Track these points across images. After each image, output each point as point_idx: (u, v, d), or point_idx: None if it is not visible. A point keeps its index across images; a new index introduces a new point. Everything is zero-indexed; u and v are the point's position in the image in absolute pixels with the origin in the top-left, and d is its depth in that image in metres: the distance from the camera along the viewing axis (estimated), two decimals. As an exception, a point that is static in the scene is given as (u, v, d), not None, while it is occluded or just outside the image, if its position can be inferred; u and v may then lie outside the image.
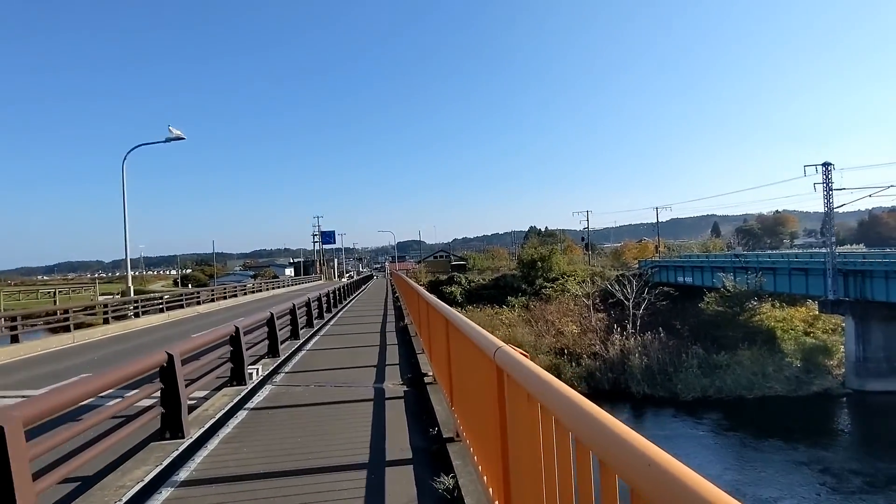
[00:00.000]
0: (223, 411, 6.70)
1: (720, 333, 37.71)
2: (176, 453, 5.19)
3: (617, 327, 39.34)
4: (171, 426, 5.60)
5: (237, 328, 7.94)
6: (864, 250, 48.59)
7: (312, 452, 5.23)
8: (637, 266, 54.85)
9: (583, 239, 73.21)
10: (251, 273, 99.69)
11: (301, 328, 13.53)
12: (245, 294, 37.63)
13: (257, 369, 8.75)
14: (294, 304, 12.77)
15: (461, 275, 60.32)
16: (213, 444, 5.64)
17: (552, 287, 51.64)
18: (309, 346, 12.52)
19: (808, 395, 32.86)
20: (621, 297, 41.58)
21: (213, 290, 34.05)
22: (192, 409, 6.62)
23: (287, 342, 12.12)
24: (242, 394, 7.53)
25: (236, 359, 8.00)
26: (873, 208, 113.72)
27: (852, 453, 27.26)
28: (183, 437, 5.59)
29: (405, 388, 7.98)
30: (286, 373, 9.46)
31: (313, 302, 15.78)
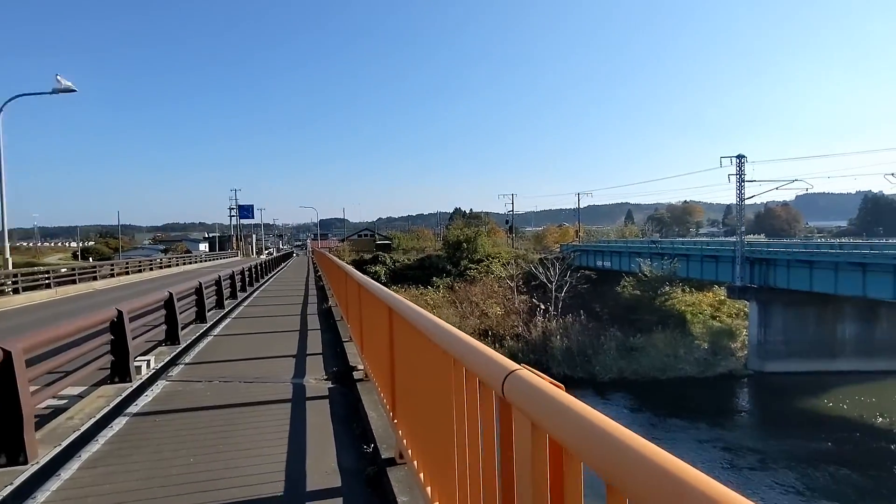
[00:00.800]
0: (93, 420, 5.17)
1: (636, 317, 38.83)
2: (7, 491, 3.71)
3: (540, 309, 39.57)
4: (9, 448, 4.08)
5: (120, 312, 6.33)
6: (765, 240, 51.71)
7: (208, 481, 3.91)
8: (559, 250, 55.70)
9: (507, 222, 73.69)
10: (161, 247, 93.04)
11: (209, 310, 11.83)
12: (152, 269, 34.35)
13: (148, 361, 7.15)
14: (201, 283, 11.05)
15: (386, 254, 58.90)
16: (68, 470, 4.16)
17: (477, 269, 51.39)
18: (217, 330, 10.88)
19: (714, 376, 34.48)
20: (544, 280, 41.84)
21: (113, 265, 30.73)
22: (47, 418, 5.06)
23: (191, 326, 10.45)
24: (125, 394, 5.98)
25: (118, 349, 6.40)
26: (768, 202, 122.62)
27: (751, 431, 28.82)
28: (26, 463, 4.09)
29: (330, 384, 6.72)
30: (186, 364, 7.89)
31: (225, 280, 14.02)
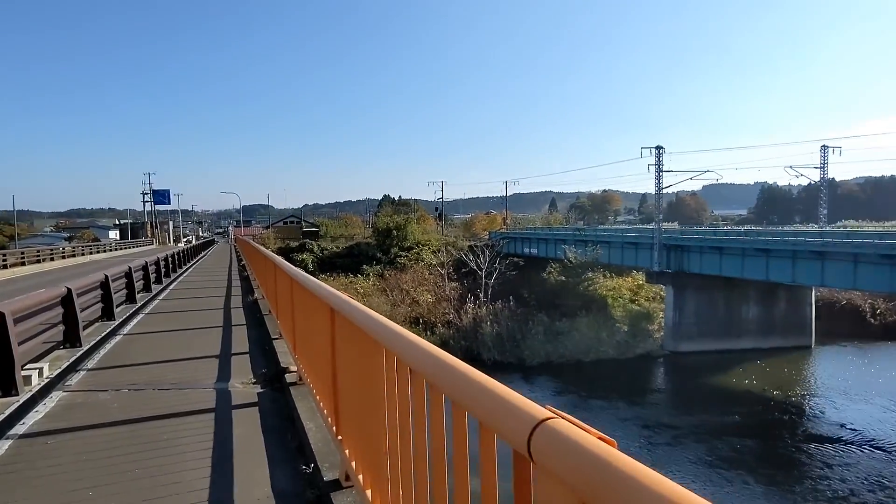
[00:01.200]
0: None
1: (561, 301, 39.80)
2: None
3: (470, 296, 39.71)
4: None
5: (1, 314, 5.33)
6: (679, 227, 54.45)
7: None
8: (487, 237, 56.13)
9: (437, 209, 73.48)
10: (65, 235, 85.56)
11: (118, 305, 10.63)
12: (53, 259, 31.25)
13: (40, 369, 6.14)
14: (107, 275, 9.85)
15: (313, 242, 57.10)
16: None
17: (407, 256, 50.87)
18: (128, 328, 9.75)
19: (634, 357, 36.03)
20: (474, 267, 41.99)
21: (5, 255, 27.63)
22: None
23: (96, 325, 9.30)
24: (8, 411, 5.03)
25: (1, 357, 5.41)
26: (679, 192, 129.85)
27: (666, 408, 30.34)
28: None
29: (259, 388, 6.03)
30: (89, 370, 6.89)
31: (137, 271, 12.71)
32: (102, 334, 8.71)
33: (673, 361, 35.99)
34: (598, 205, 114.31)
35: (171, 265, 19.90)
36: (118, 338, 8.91)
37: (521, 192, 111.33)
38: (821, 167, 37.76)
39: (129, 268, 11.92)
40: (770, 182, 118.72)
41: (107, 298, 9.69)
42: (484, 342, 35.72)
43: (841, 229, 44.34)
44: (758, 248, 31.45)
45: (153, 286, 15.01)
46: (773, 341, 36.45)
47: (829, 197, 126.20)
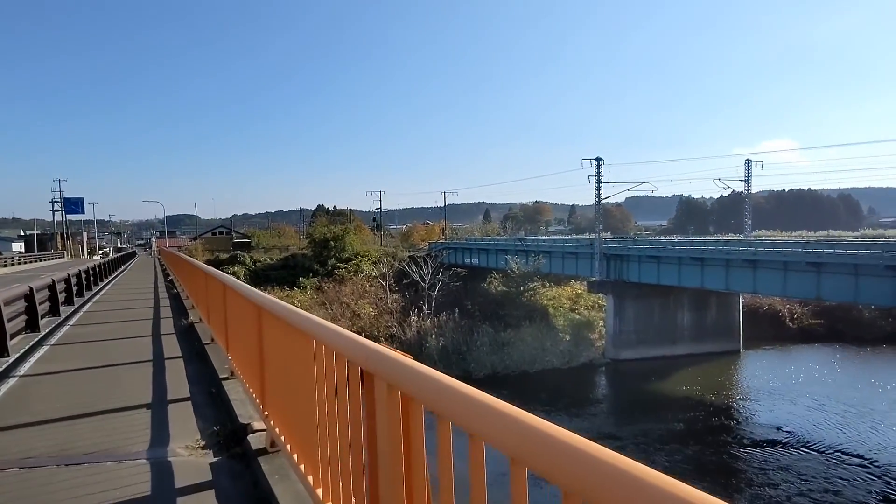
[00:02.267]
0: None
1: (505, 312, 39.18)
2: None
3: (414, 308, 38.30)
4: None
5: None
6: (615, 237, 55.43)
7: None
8: (427, 248, 54.95)
9: (374, 219, 71.60)
10: (-41, 247, 76.32)
11: (13, 335, 8.47)
12: (-61, 276, 26.96)
13: None
14: None
15: (245, 253, 53.74)
16: None
17: (346, 267, 48.79)
18: (26, 366, 7.66)
19: (578, 366, 35.87)
20: (417, 279, 40.62)
21: None
22: None
23: (-19, 364, 7.19)
24: None
25: None
26: (605, 203, 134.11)
27: (609, 416, 30.25)
28: None
29: (212, 457, 4.42)
30: (-36, 435, 4.98)
31: (39, 291, 10.44)
32: (-10, 377, 6.65)
33: (614, 369, 36.13)
34: (531, 215, 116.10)
35: (87, 279, 17.23)
36: (12, 381, 6.86)
37: (456, 202, 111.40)
38: (745, 179, 39.47)
39: (30, 287, 9.69)
40: (686, 195, 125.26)
41: (-3, 329, 7.57)
42: (429, 355, 34.33)
43: (763, 239, 46.47)
44: (694, 256, 32.08)
45: (62, 308, 12.60)
46: (706, 346, 37.41)
47: (739, 210, 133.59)
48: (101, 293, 18.17)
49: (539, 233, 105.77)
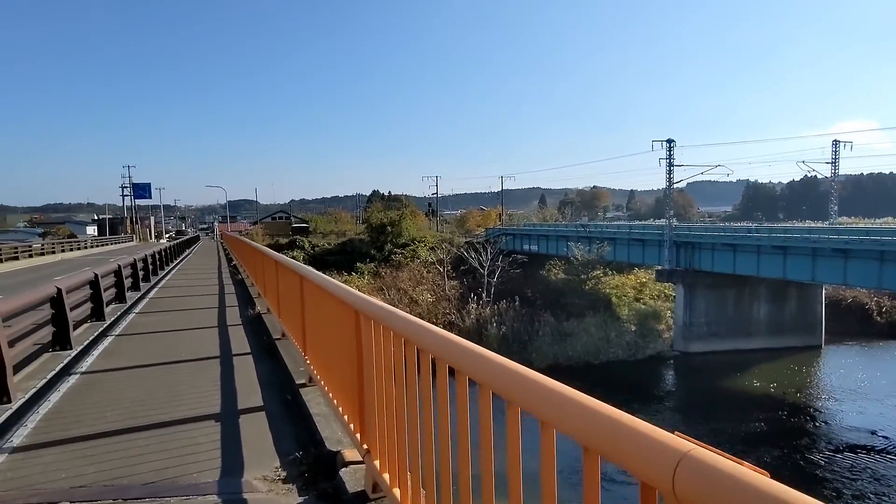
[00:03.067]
0: None
1: (567, 301, 37.57)
2: None
3: (473, 295, 37.24)
4: None
5: None
6: (679, 224, 52.43)
7: None
8: (483, 234, 53.71)
9: (429, 205, 70.82)
10: (39, 231, 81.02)
11: (76, 327, 7.92)
12: (18, 258, 27.95)
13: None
14: (60, 288, 7.14)
15: (304, 238, 54.12)
16: None
17: (402, 253, 48.26)
18: (87, 363, 7.01)
19: (644, 359, 33.96)
20: (476, 265, 39.50)
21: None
22: None
23: (40, 359, 6.61)
24: None
25: None
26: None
27: (681, 414, 28.34)
28: None
29: (298, 496, 3.48)
30: (9, 451, 4.27)
31: (104, 277, 9.98)
32: (44, 379, 6.03)
33: (683, 362, 34.01)
34: (587, 201, 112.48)
35: (150, 267, 17.08)
36: (72, 379, 6.22)
37: (510, 188, 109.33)
38: (832, 162, 36.02)
39: (95, 274, 9.19)
40: (752, 179, 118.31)
41: (60, 319, 7.00)
42: (489, 344, 33.12)
43: (853, 226, 42.53)
44: (775, 245, 29.47)
45: (128, 294, 12.23)
46: (784, 340, 34.67)
47: (812, 195, 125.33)
48: (166, 278, 18.01)
49: (596, 219, 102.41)
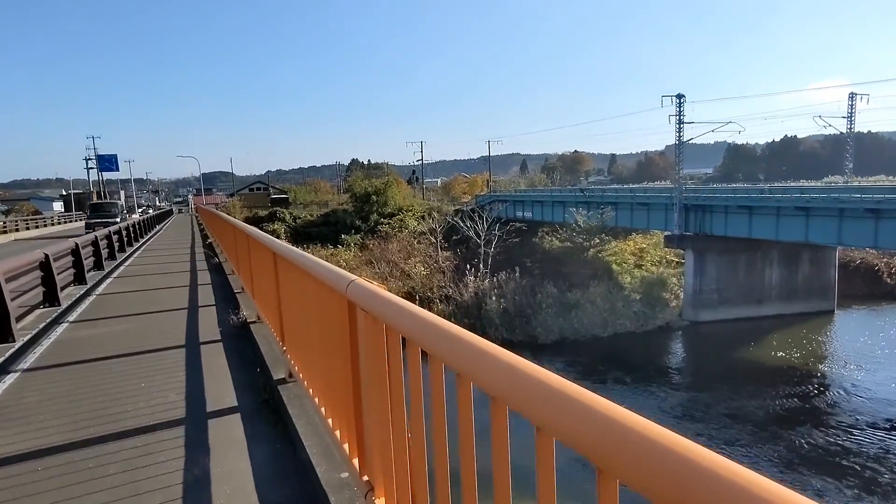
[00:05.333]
0: None
1: (568, 270, 35.09)
2: None
3: (470, 267, 34.47)
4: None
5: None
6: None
7: None
8: (473, 201, 50.67)
9: (413, 172, 67.19)
10: (3, 208, 75.44)
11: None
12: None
13: None
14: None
15: (284, 210, 50.38)
16: None
17: (389, 223, 45.11)
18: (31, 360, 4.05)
19: (653, 330, 31.87)
20: (472, 234, 36.63)
21: None
22: None
23: None
24: None
25: None
26: (647, 151, 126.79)
27: (695, 386, 26.26)
28: None
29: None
30: None
31: (54, 259, 6.85)
32: None
33: (694, 332, 32.01)
34: (569, 165, 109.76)
35: (119, 241, 13.82)
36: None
37: (491, 154, 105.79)
38: (848, 116, 33.61)
39: (46, 255, 6.14)
40: (729, 141, 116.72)
41: None
42: (490, 319, 30.78)
43: (880, 184, 40.32)
44: (798, 206, 27.14)
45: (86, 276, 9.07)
46: (796, 306, 32.92)
47: (792, 154, 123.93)
48: (138, 252, 14.58)
49: (579, 183, 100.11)
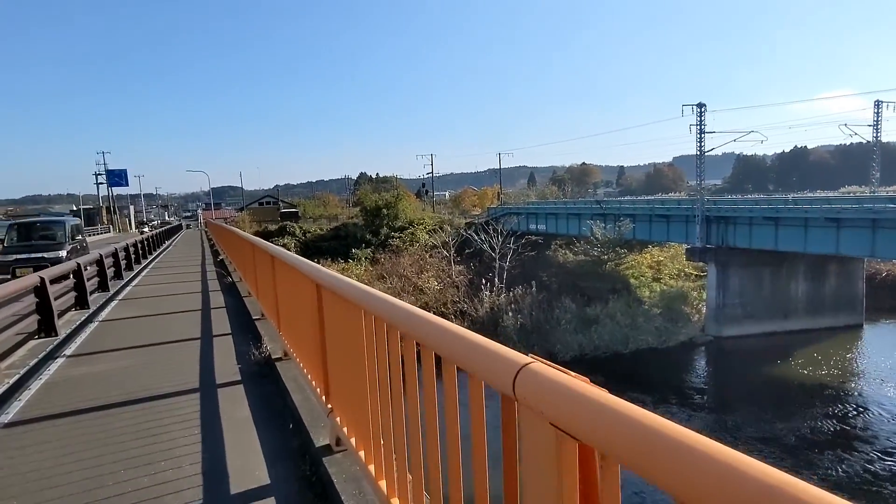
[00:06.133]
0: None
1: (586, 284, 33.96)
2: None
3: (485, 281, 33.36)
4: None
5: None
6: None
7: None
8: (485, 213, 49.73)
9: (423, 185, 66.40)
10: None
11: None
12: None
13: None
14: None
15: (294, 224, 49.59)
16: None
17: (400, 237, 44.19)
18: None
19: (675, 346, 30.57)
20: (487, 248, 35.60)
21: None
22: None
23: None
24: None
25: None
26: (656, 163, 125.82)
27: (722, 406, 24.95)
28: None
29: None
30: None
31: (51, 282, 5.89)
32: None
33: (718, 348, 30.73)
34: (577, 177, 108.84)
35: (128, 258, 12.87)
36: None
37: (495, 167, 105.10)
38: (874, 124, 32.49)
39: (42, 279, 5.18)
40: (737, 153, 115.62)
41: None
42: (507, 335, 29.58)
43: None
44: (829, 217, 25.99)
45: (89, 300, 8.10)
46: (823, 320, 31.59)
47: (803, 165, 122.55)
48: (130, 286, 13.65)
49: (587, 195, 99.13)
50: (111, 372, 5.84)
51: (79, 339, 7.39)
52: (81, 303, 9.55)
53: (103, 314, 9.36)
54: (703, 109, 29.77)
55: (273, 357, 5.47)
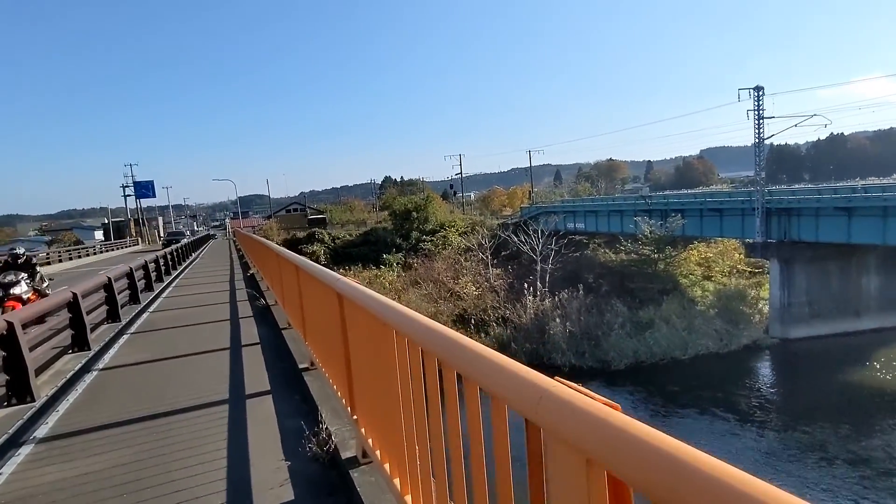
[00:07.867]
0: None
1: (635, 286, 31.43)
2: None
3: (526, 285, 31.07)
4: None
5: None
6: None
7: None
8: (518, 213, 47.43)
9: (451, 186, 64.32)
10: (47, 238, 75.41)
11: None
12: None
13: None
14: None
15: (323, 230, 47.99)
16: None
17: (432, 240, 42.17)
18: None
19: (739, 350, 27.88)
20: (527, 250, 33.32)
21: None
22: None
23: None
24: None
25: None
26: (685, 156, 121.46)
27: (793, 417, 22.30)
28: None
29: None
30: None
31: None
32: None
33: (784, 351, 27.95)
34: (605, 173, 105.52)
35: (155, 273, 11.07)
36: None
37: (520, 165, 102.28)
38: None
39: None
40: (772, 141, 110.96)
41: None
42: (555, 343, 27.31)
43: None
44: (914, 205, 23.11)
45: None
46: (898, 319, 28.52)
47: (839, 154, 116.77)
48: (143, 315, 11.72)
49: (615, 191, 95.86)
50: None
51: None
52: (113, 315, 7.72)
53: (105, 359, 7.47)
54: (761, 93, 27.05)
55: (343, 453, 3.38)
